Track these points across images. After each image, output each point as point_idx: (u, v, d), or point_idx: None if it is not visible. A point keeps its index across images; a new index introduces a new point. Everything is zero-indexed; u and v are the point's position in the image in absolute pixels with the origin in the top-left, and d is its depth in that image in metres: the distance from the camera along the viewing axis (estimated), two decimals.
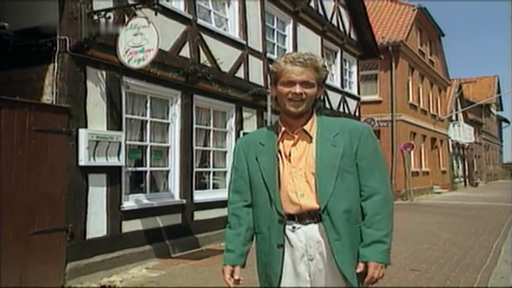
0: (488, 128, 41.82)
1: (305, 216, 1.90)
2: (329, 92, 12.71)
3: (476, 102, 30.82)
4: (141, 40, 5.17)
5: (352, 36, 14.75)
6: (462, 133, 28.25)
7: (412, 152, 19.00)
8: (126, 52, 5.28)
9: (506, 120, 48.46)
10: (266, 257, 1.98)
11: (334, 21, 13.32)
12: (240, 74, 8.76)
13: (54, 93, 5.40)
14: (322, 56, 12.55)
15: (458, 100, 29.43)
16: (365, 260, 1.87)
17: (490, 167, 43.82)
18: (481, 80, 36.88)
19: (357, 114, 15.03)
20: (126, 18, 5.81)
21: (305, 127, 1.96)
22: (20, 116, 4.77)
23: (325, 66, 1.98)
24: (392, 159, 18.06)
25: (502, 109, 45.94)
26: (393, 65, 18.42)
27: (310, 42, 11.81)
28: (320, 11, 12.39)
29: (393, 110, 18.36)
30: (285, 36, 11.00)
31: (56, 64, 5.39)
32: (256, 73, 9.19)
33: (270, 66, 1.89)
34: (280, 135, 1.99)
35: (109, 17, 5.47)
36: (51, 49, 5.40)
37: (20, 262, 4.65)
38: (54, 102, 5.40)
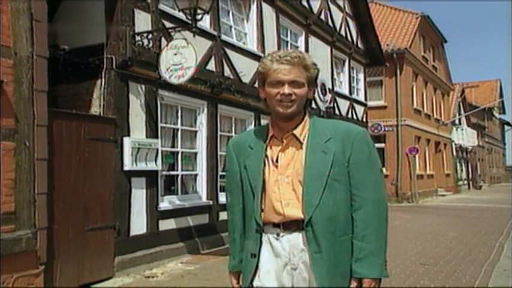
0: (491, 131, 42.23)
1: (290, 225, 1.80)
2: (338, 99, 13.36)
3: (479, 106, 31.24)
4: (181, 59, 5.83)
5: (359, 45, 15.40)
6: (465, 137, 28.70)
7: (417, 156, 19.57)
8: (167, 69, 5.93)
9: (509, 124, 48.89)
10: (244, 264, 1.92)
11: (343, 32, 13.98)
12: None
13: (102, 105, 6.06)
14: (332, 65, 13.26)
15: (461, 104, 29.89)
16: (358, 277, 1.75)
17: (493, 170, 44.20)
18: (484, 84, 37.39)
19: (364, 119, 15.67)
20: (163, 39, 6.47)
21: (295, 131, 1.84)
22: (76, 126, 5.42)
23: (314, 64, 1.85)
24: (398, 163, 18.65)
25: (504, 112, 46.45)
26: (398, 71, 19.01)
27: (321, 52, 12.47)
28: (329, 22, 13.06)
29: (398, 115, 18.93)
30: (297, 47, 11.63)
31: (103, 80, 6.06)
32: None
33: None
34: (268, 140, 1.88)
35: (150, 39, 6.13)
36: (99, 66, 6.06)
37: (78, 255, 5.29)
38: (101, 113, 6.06)
